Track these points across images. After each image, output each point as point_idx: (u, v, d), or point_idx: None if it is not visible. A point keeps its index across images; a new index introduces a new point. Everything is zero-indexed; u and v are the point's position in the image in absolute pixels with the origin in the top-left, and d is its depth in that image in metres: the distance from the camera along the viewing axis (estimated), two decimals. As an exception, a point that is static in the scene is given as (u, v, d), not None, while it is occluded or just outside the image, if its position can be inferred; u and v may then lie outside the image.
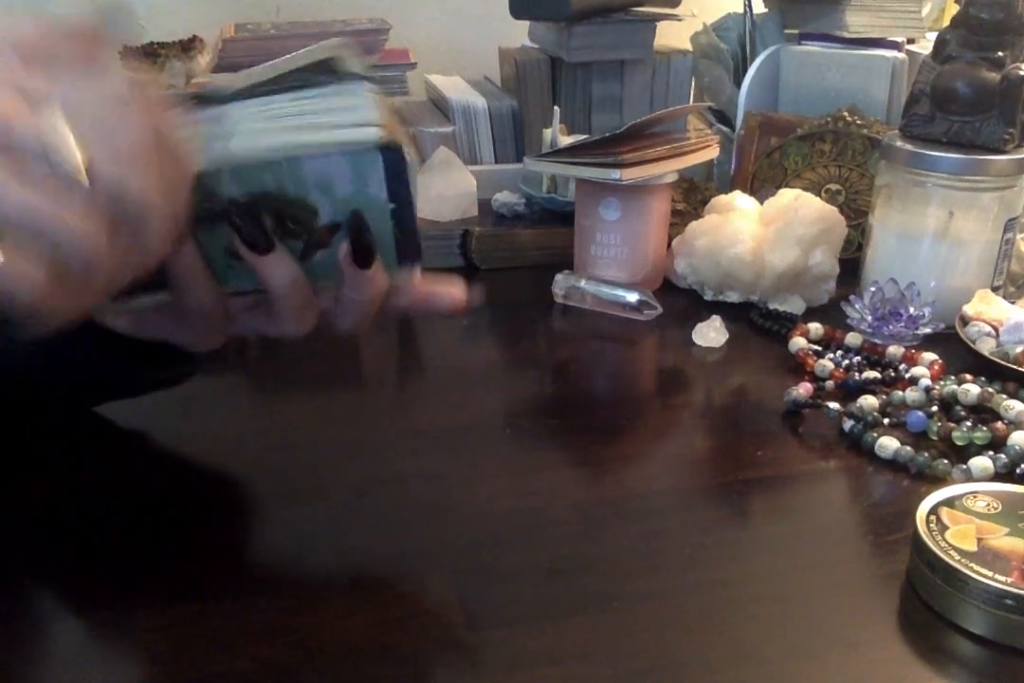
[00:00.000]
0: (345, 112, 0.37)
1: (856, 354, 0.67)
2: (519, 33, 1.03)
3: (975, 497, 0.45)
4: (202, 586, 0.43)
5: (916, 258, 0.71)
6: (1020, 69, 0.67)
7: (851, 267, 0.76)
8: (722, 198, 0.79)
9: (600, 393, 0.65)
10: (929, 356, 0.63)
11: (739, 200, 0.78)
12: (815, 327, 0.69)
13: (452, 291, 0.43)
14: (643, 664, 0.39)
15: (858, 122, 0.82)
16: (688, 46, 0.99)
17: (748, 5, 0.94)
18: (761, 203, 0.77)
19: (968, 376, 0.60)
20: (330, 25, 0.97)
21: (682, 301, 0.77)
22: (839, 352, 0.67)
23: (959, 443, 0.54)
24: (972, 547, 0.42)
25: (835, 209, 0.75)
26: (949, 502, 0.45)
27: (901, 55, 0.86)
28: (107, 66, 0.32)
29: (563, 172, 0.79)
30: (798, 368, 0.65)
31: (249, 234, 0.38)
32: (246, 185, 0.37)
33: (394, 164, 0.37)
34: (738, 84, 0.92)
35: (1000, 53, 0.67)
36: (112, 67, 0.32)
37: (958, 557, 0.41)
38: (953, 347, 0.65)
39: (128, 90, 0.32)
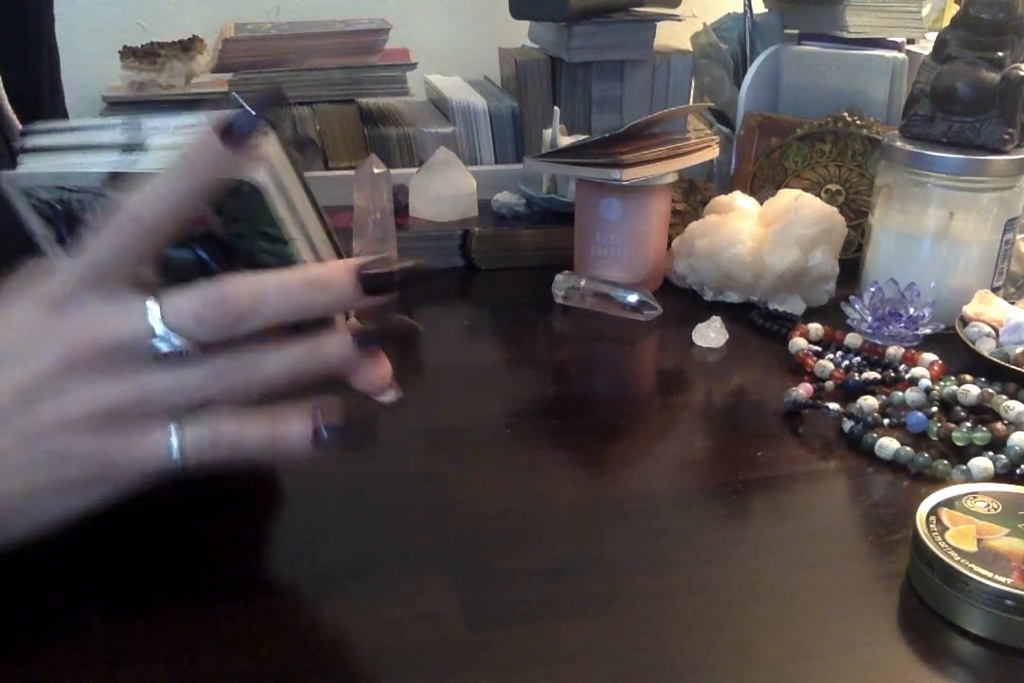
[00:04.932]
0: None
1: (856, 355, 0.67)
2: (519, 33, 1.03)
3: (975, 498, 0.45)
4: (202, 586, 0.43)
5: (916, 258, 0.71)
6: (1020, 69, 0.67)
7: (851, 267, 0.76)
8: (722, 198, 0.79)
9: (600, 393, 0.65)
10: (929, 357, 0.63)
11: (739, 200, 0.78)
12: (815, 327, 0.69)
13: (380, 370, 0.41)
14: (643, 664, 0.39)
15: (858, 122, 0.82)
16: (688, 46, 0.99)
17: (748, 5, 0.94)
18: (761, 203, 0.77)
19: (968, 377, 0.60)
20: (330, 25, 0.97)
21: (682, 301, 0.77)
22: (839, 353, 0.67)
23: (959, 444, 0.54)
24: (972, 548, 0.42)
25: (835, 209, 0.75)
26: (949, 503, 0.45)
27: (901, 55, 0.86)
28: None
29: (563, 172, 0.79)
30: (798, 368, 0.65)
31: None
32: None
33: None
34: (738, 84, 0.91)
35: (1000, 53, 0.67)
36: None
37: (958, 557, 0.41)
38: (953, 348, 0.65)
39: None
